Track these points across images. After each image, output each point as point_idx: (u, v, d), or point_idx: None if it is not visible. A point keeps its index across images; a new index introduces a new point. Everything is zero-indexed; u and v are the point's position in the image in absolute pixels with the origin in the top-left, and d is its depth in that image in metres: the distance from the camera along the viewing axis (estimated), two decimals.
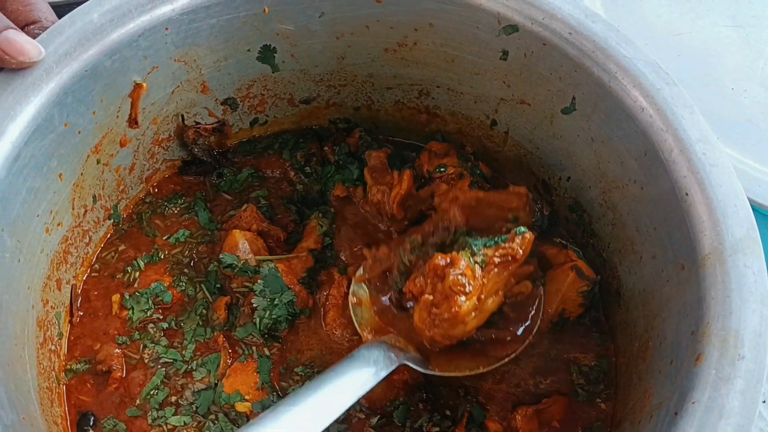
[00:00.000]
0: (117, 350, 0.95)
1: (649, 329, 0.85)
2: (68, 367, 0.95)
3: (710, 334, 0.70)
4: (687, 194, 0.78)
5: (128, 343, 0.96)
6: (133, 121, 0.98)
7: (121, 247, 1.05)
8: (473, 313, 0.85)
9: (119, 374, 0.94)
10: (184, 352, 0.96)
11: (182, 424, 0.91)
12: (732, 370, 0.67)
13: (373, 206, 1.06)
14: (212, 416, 0.92)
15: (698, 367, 0.68)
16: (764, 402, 1.08)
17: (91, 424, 0.90)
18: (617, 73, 0.86)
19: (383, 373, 0.85)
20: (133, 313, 0.98)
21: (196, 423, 0.91)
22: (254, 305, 0.96)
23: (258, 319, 0.96)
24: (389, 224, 1.07)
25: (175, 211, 1.08)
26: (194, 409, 0.92)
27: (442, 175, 1.05)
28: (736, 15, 1.08)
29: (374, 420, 0.92)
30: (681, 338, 0.75)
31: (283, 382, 0.95)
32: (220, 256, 1.00)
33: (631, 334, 0.92)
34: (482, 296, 0.86)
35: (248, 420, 0.91)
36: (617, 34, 0.87)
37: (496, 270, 0.87)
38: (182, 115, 1.05)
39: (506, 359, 0.92)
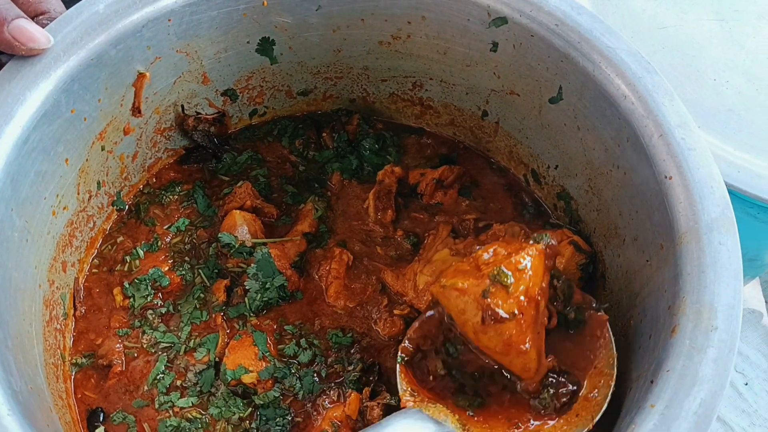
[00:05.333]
0: (118, 345, 0.97)
1: (631, 308, 0.89)
2: (74, 361, 0.97)
3: (685, 308, 0.73)
4: (666, 177, 0.82)
5: (129, 333, 0.98)
6: (136, 110, 1.01)
7: (120, 239, 1.06)
8: (516, 311, 0.79)
9: (119, 368, 0.96)
10: (180, 334, 0.99)
11: (189, 405, 0.94)
12: (705, 340, 0.70)
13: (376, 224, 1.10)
14: (216, 391, 0.94)
15: (673, 338, 0.72)
16: (746, 384, 1.11)
17: (101, 419, 0.93)
18: (601, 62, 0.90)
19: None
20: (134, 300, 1.01)
21: (200, 402, 0.94)
22: (247, 288, 1.00)
23: (249, 302, 1.00)
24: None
25: (174, 199, 1.10)
26: (198, 389, 0.95)
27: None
28: (720, 9, 1.12)
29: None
30: (659, 314, 0.79)
31: (280, 345, 0.98)
32: (219, 235, 1.03)
33: (614, 314, 0.95)
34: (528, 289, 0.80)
35: (256, 391, 0.94)
36: (601, 26, 0.91)
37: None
38: (182, 105, 1.08)
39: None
